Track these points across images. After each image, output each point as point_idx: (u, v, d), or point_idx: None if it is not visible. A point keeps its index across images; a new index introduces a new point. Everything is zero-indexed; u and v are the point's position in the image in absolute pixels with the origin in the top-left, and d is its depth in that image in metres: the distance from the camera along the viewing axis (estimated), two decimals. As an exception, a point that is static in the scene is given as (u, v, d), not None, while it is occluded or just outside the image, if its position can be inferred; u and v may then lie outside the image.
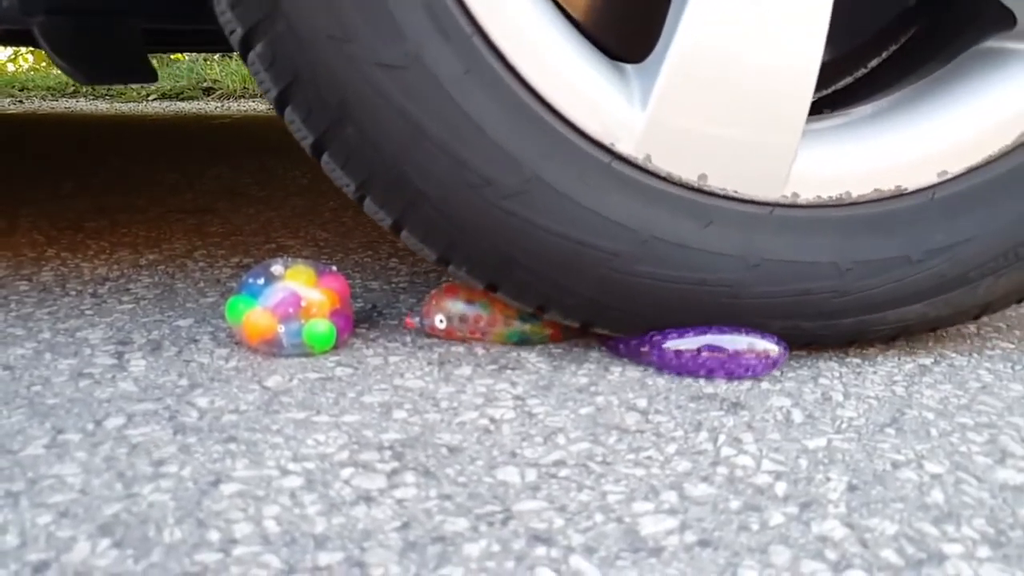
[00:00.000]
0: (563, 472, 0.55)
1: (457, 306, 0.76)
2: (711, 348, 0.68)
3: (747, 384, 0.69)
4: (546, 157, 0.65)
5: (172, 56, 4.37)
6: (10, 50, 4.77)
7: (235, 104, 3.81)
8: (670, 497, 0.52)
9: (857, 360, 0.75)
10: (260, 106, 3.63)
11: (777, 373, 0.71)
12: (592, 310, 0.71)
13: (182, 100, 4.03)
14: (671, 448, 0.58)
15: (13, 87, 4.47)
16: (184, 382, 0.68)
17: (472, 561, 0.46)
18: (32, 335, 0.79)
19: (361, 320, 0.83)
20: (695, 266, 0.69)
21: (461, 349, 0.76)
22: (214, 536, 0.47)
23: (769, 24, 0.64)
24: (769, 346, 0.69)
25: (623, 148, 0.66)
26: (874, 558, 0.46)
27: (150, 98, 4.06)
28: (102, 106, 3.84)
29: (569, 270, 0.68)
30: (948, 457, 0.58)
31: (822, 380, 0.71)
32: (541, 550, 0.46)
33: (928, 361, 0.76)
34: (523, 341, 0.76)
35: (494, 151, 0.64)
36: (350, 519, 0.49)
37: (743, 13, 0.64)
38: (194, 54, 4.27)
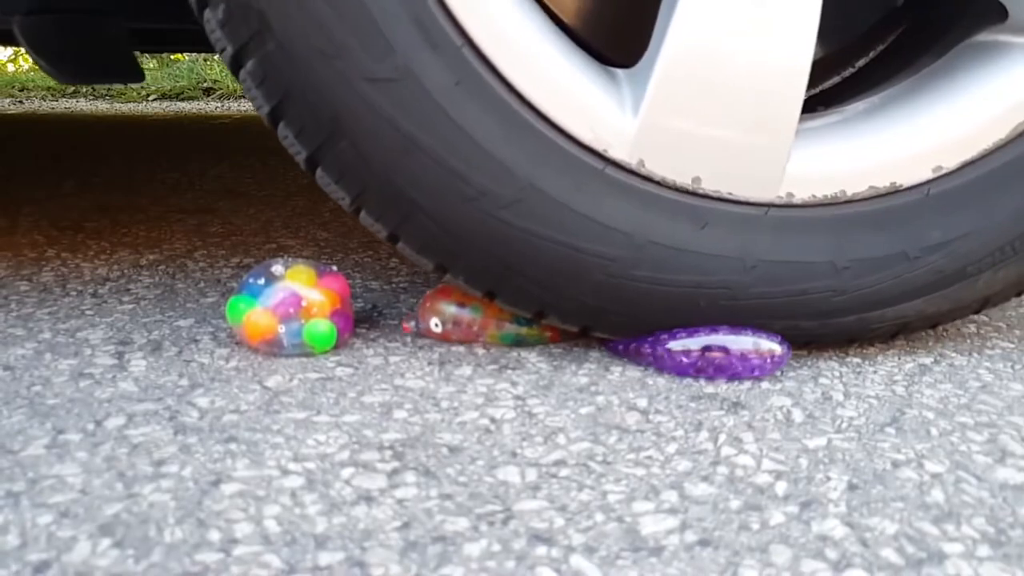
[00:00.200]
0: (563, 472, 0.55)
1: (450, 309, 0.76)
2: (716, 348, 0.68)
3: (747, 384, 0.69)
4: (540, 165, 0.65)
5: (172, 56, 4.37)
6: (10, 50, 4.77)
7: (235, 104, 3.81)
8: (670, 497, 0.52)
9: (857, 360, 0.75)
10: (260, 106, 3.62)
11: (777, 373, 0.71)
12: (590, 315, 0.71)
13: (182, 100, 4.03)
14: (671, 448, 0.58)
15: (13, 87, 4.46)
16: (184, 382, 0.68)
17: (472, 561, 0.46)
18: (32, 335, 0.79)
19: (361, 320, 0.83)
20: (692, 269, 0.69)
21: (461, 349, 0.76)
22: (215, 536, 0.47)
23: (759, 24, 0.64)
24: (773, 346, 0.69)
25: (616, 154, 0.66)
26: (874, 557, 0.46)
27: (150, 98, 4.06)
28: (102, 106, 3.83)
29: (566, 276, 0.68)
30: (948, 456, 0.58)
31: (822, 380, 0.71)
32: (542, 550, 0.47)
33: (928, 360, 0.76)
34: (518, 343, 0.76)
35: (488, 161, 0.64)
36: (351, 519, 0.49)
37: (733, 15, 0.64)
38: (194, 54, 4.27)
